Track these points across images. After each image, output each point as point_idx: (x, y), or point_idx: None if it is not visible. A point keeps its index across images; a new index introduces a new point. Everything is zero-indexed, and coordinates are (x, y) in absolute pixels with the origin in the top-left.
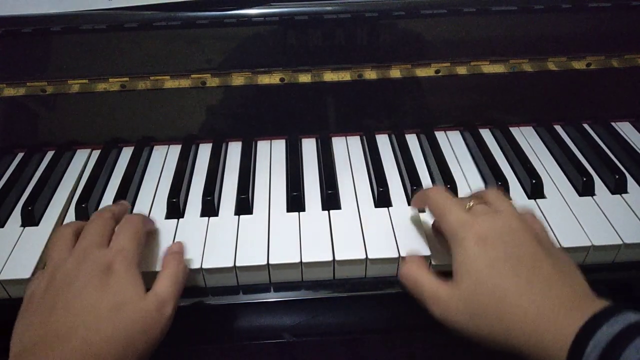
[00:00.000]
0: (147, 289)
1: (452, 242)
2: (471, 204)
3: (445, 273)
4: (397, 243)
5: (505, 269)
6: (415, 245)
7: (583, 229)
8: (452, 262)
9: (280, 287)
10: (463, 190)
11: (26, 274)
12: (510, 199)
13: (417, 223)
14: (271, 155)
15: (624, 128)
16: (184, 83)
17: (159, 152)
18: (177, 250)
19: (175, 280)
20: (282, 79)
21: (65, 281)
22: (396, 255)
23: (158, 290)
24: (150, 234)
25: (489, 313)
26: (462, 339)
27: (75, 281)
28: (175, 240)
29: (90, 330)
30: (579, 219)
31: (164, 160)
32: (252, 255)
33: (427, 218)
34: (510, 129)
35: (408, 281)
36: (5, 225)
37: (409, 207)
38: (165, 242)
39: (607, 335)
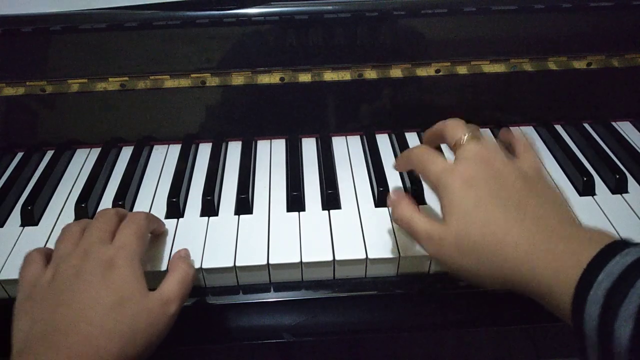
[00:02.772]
0: (152, 289)
1: (438, 191)
2: (465, 137)
3: (446, 274)
4: (397, 243)
5: (492, 206)
6: (415, 245)
7: None
8: (441, 206)
9: (280, 287)
10: None
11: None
12: None
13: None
14: (271, 155)
15: (625, 128)
16: (184, 82)
17: (159, 151)
18: (185, 254)
19: (183, 281)
20: (282, 79)
21: (69, 276)
22: (396, 255)
23: (163, 289)
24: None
25: (482, 249)
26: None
27: (78, 277)
28: (176, 240)
29: (92, 325)
30: (579, 218)
31: (164, 160)
32: (252, 255)
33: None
34: (511, 128)
35: (402, 222)
36: (5, 225)
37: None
38: (165, 241)
39: (621, 265)
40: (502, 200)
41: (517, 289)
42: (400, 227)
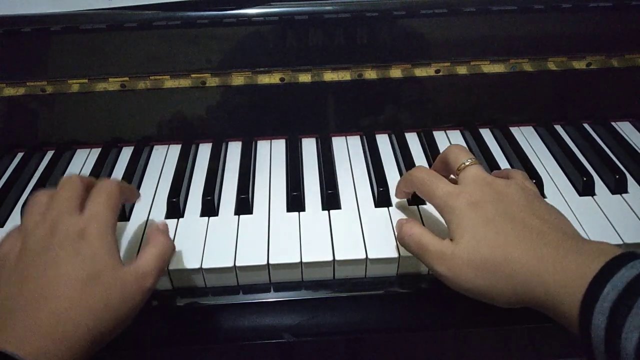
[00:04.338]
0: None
1: (444, 213)
2: (467, 162)
3: None
4: (397, 243)
5: (500, 224)
6: None
7: (583, 228)
8: (448, 227)
9: (280, 287)
10: None
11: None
12: None
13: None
14: (271, 155)
15: (624, 128)
16: (184, 83)
17: (159, 152)
18: (164, 227)
19: (160, 255)
20: (282, 79)
21: (38, 250)
22: (396, 255)
23: (139, 263)
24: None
25: (492, 266)
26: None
27: (47, 250)
28: (176, 240)
29: (60, 299)
30: (579, 218)
31: (164, 160)
32: (252, 255)
33: (427, 217)
34: (511, 128)
35: (411, 241)
36: (5, 225)
37: (409, 206)
38: None
39: (626, 278)
40: (509, 218)
41: (528, 304)
42: (408, 247)
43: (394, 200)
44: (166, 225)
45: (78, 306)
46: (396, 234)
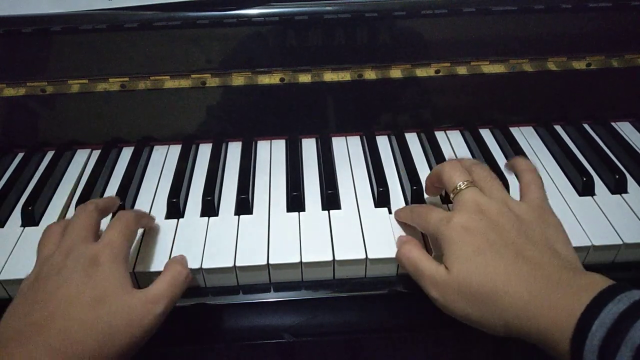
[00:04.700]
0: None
1: (439, 240)
2: (462, 187)
3: None
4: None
5: (491, 255)
6: None
7: (583, 228)
8: (443, 253)
9: (280, 287)
10: None
11: (26, 274)
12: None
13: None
14: (271, 155)
15: (624, 128)
16: (184, 83)
17: (159, 152)
18: (180, 258)
19: (173, 281)
20: (282, 79)
21: (51, 274)
22: None
23: (151, 288)
24: (150, 234)
25: (483, 298)
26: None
27: (59, 273)
28: (176, 240)
29: (69, 320)
30: (579, 218)
31: (164, 160)
32: (252, 255)
33: None
34: (510, 128)
35: (408, 263)
36: (6, 225)
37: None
38: (165, 242)
39: (613, 314)
40: (500, 249)
41: (519, 336)
42: (405, 269)
43: (394, 200)
44: (183, 257)
45: (85, 327)
46: (396, 251)
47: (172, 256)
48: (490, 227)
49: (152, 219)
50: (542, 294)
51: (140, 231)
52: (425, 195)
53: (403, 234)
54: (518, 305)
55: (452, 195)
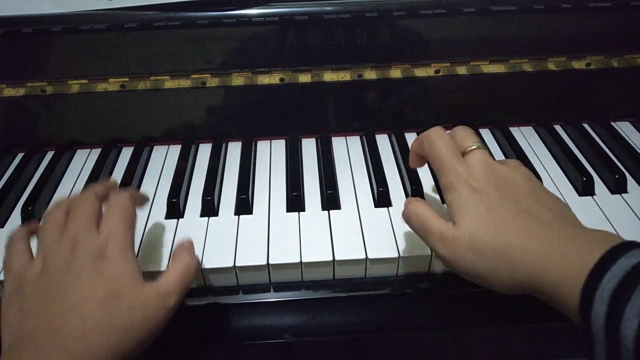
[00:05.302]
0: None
1: (448, 193)
2: (473, 147)
3: (446, 274)
4: (397, 243)
5: (504, 211)
6: (415, 244)
7: None
8: (448, 207)
9: (280, 287)
10: None
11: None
12: None
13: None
14: (271, 155)
15: (624, 128)
16: (184, 83)
17: (159, 152)
18: (189, 246)
19: (184, 273)
20: (282, 79)
21: (59, 270)
22: (396, 255)
23: (162, 281)
24: (150, 234)
25: (493, 252)
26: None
27: (68, 270)
28: (176, 240)
29: (84, 320)
30: (579, 218)
31: (164, 160)
32: (252, 255)
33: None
34: (510, 128)
35: (416, 219)
36: (5, 226)
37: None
38: (165, 242)
39: (625, 267)
40: (513, 205)
41: (527, 291)
42: (412, 226)
43: (394, 200)
44: (191, 242)
45: (101, 327)
46: (403, 209)
47: (179, 242)
48: (503, 183)
49: (146, 197)
50: (554, 248)
51: (140, 231)
52: (426, 196)
53: (403, 234)
54: (530, 258)
55: (463, 155)
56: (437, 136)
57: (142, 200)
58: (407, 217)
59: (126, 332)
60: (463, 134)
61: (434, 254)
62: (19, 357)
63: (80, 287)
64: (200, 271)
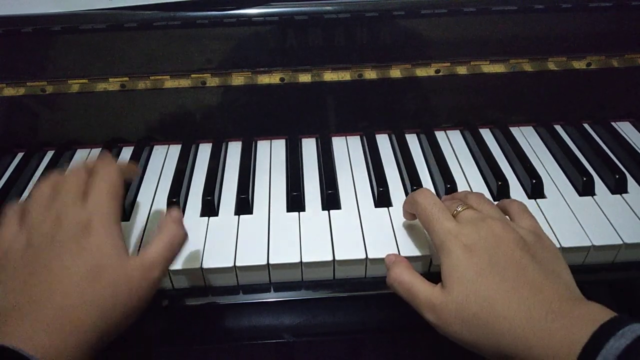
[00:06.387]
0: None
1: (439, 251)
2: (459, 209)
3: None
4: (397, 243)
5: (491, 277)
6: (415, 245)
7: (583, 228)
8: (441, 269)
9: (280, 287)
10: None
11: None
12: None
13: (417, 223)
14: (271, 155)
15: (624, 128)
16: (184, 83)
17: (159, 151)
18: (177, 216)
19: (169, 244)
20: (282, 79)
21: (43, 245)
22: None
23: (146, 253)
24: (151, 234)
25: (480, 322)
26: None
27: (52, 244)
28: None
29: (67, 295)
30: (579, 219)
31: (164, 160)
32: (252, 255)
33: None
34: (511, 128)
35: (400, 288)
36: None
37: None
38: None
39: (616, 349)
40: (501, 270)
41: None
42: (397, 292)
43: (394, 200)
44: (179, 213)
45: (85, 302)
46: (386, 272)
47: (167, 213)
48: (494, 243)
49: (135, 168)
50: (541, 323)
51: (140, 231)
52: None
53: (403, 234)
54: (516, 331)
55: (454, 217)
56: (423, 197)
57: (130, 171)
58: (390, 284)
59: (111, 307)
60: (451, 200)
61: (432, 256)
62: (1, 332)
63: (64, 262)
64: (201, 272)
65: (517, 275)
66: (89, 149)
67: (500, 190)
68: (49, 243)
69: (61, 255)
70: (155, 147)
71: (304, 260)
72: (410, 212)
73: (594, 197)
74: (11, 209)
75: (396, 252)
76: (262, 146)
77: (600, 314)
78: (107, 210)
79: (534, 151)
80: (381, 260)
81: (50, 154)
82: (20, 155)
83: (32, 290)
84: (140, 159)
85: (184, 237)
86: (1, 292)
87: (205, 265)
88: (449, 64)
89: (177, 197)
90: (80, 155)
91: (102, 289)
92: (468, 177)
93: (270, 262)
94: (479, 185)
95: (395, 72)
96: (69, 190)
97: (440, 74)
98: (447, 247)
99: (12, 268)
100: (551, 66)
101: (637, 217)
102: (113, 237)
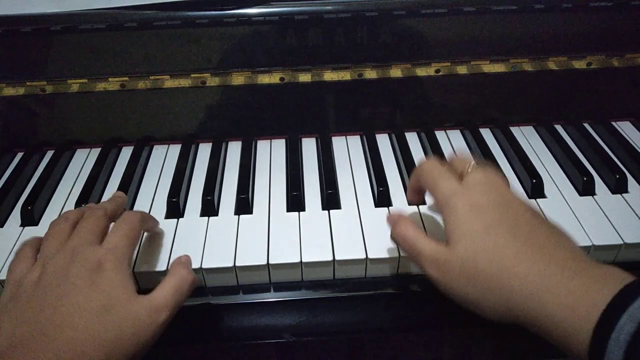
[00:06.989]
0: (150, 290)
1: (444, 211)
2: (469, 170)
3: None
4: None
5: (502, 232)
6: None
7: (583, 228)
8: (445, 227)
9: (280, 287)
10: None
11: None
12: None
13: (417, 223)
14: (271, 155)
15: (625, 127)
16: (184, 82)
17: (159, 151)
18: (186, 260)
19: (178, 288)
20: (282, 79)
21: (56, 278)
22: (396, 255)
23: (155, 296)
24: (151, 234)
25: (488, 278)
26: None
27: (65, 279)
28: (176, 240)
29: (77, 330)
30: (580, 218)
31: (164, 160)
32: (252, 255)
33: (427, 218)
34: (511, 128)
35: (404, 242)
36: (5, 225)
37: (410, 206)
38: (165, 242)
39: None
40: (512, 228)
41: (521, 322)
42: (401, 248)
43: (394, 200)
44: (188, 257)
45: (94, 337)
46: (390, 230)
47: (175, 256)
48: (504, 204)
49: (157, 222)
50: (557, 280)
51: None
52: (426, 197)
53: None
54: (528, 288)
55: (462, 177)
56: (430, 162)
57: (152, 223)
58: (394, 238)
59: (117, 344)
60: (459, 159)
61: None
62: None
63: (75, 297)
64: (201, 272)
65: (529, 236)
66: (89, 149)
67: None
68: (62, 277)
69: (73, 290)
70: (155, 147)
71: (304, 260)
72: (415, 190)
73: (594, 196)
74: (28, 241)
75: (395, 252)
76: (262, 146)
77: (620, 274)
78: (122, 252)
79: (534, 151)
80: (381, 260)
81: (50, 154)
82: (20, 155)
83: (43, 322)
84: (140, 158)
85: (192, 282)
86: (13, 323)
87: (205, 265)
88: (449, 64)
89: (177, 197)
90: (80, 155)
91: (110, 326)
92: None
93: (270, 262)
94: None
95: (396, 72)
96: (87, 230)
97: (441, 73)
98: (452, 204)
99: (25, 299)
100: (551, 66)
101: (638, 216)
102: (124, 277)
